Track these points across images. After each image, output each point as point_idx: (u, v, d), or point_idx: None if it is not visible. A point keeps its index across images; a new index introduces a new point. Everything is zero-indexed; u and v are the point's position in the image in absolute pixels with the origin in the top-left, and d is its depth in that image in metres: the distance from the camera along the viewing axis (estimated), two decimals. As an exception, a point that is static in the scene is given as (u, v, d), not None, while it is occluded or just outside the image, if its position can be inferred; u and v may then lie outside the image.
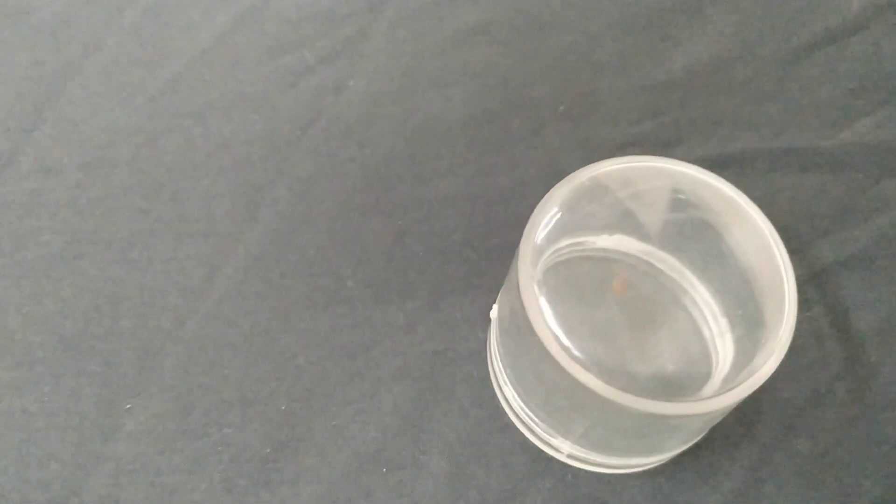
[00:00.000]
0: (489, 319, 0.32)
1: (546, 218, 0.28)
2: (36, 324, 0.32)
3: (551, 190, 0.28)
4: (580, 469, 0.30)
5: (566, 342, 0.25)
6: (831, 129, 0.38)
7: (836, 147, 0.38)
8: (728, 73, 0.40)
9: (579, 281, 0.31)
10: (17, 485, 0.28)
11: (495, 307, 0.31)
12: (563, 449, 0.29)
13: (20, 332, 0.32)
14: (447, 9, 0.42)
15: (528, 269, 0.26)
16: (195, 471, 0.29)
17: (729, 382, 0.25)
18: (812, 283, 0.34)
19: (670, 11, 0.42)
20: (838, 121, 0.38)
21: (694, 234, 0.30)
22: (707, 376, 0.28)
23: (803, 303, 0.33)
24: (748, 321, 0.28)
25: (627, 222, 0.30)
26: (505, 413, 0.31)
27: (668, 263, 0.30)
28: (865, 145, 0.38)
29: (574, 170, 0.29)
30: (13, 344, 0.31)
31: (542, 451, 0.30)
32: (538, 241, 0.27)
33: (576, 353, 0.25)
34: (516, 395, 0.30)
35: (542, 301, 0.26)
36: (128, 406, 0.30)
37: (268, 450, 0.30)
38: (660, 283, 0.31)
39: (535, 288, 0.26)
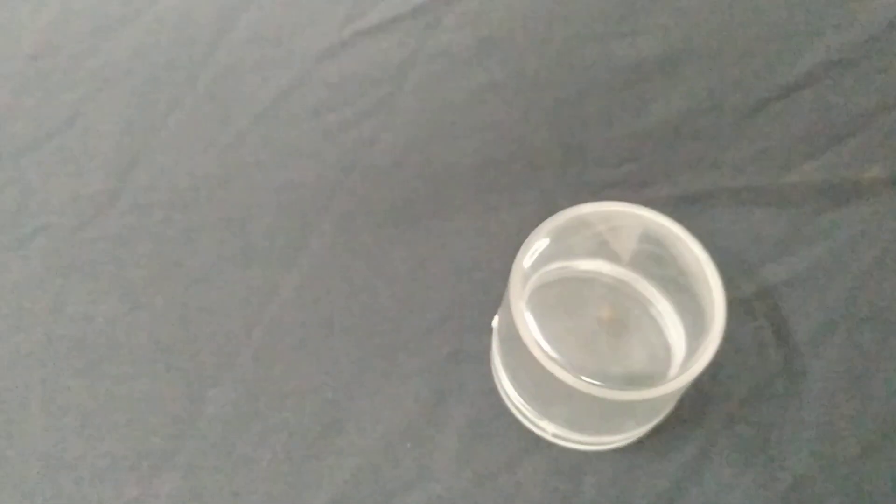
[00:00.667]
0: (492, 328, 0.36)
1: (533, 247, 0.32)
2: (136, 331, 0.37)
3: (540, 225, 0.33)
4: (563, 446, 0.34)
5: (546, 347, 0.30)
6: (781, 170, 0.42)
7: (785, 186, 0.41)
8: (696, 123, 0.43)
9: (564, 297, 0.35)
10: (125, 452, 0.34)
11: (496, 318, 0.36)
12: (548, 430, 0.34)
13: (124, 338, 0.37)
14: (461, 72, 0.45)
15: (518, 289, 0.31)
16: (262, 444, 0.34)
17: (677, 377, 0.30)
18: (760, 298, 0.38)
19: (648, 71, 0.45)
20: (787, 163, 0.42)
21: (656, 261, 0.34)
22: (666, 373, 0.32)
23: (750, 314, 0.37)
24: (696, 329, 0.32)
25: (605, 250, 0.35)
26: (503, 402, 0.35)
27: (638, 283, 0.35)
28: (809, 184, 0.41)
29: (566, 206, 0.33)
30: (119, 347, 0.37)
31: (532, 432, 0.34)
32: (526, 266, 0.32)
33: (554, 355, 0.30)
34: (512, 388, 0.34)
35: (528, 315, 0.31)
36: (209, 394, 0.35)
37: (318, 429, 0.34)
38: (631, 299, 0.35)
39: (522, 304, 0.31)
